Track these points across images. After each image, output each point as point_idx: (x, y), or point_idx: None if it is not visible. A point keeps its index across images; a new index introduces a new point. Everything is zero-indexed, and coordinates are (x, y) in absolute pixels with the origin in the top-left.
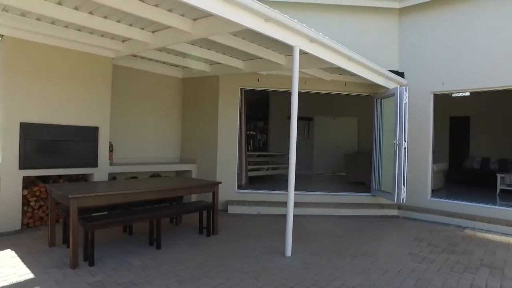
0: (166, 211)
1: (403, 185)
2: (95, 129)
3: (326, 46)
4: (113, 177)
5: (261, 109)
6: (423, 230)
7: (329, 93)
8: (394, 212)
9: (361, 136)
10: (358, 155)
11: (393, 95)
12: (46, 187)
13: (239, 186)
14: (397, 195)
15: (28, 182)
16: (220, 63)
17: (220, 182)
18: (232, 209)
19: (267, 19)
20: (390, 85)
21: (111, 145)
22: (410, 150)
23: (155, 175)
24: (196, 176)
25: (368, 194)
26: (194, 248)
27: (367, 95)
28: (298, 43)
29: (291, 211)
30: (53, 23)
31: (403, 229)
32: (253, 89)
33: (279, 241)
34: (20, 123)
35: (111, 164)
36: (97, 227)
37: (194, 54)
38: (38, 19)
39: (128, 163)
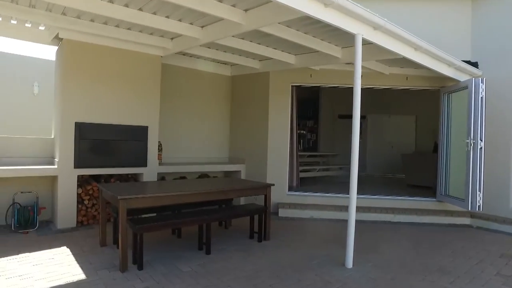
0: (216, 215)
1: (479, 190)
2: (145, 129)
3: (391, 34)
4: (162, 177)
5: (311, 108)
6: (510, 245)
7: (385, 89)
8: (466, 220)
9: (419, 135)
10: (418, 156)
11: (465, 88)
12: (98, 186)
13: (290, 188)
14: (472, 201)
15: (82, 181)
16: (270, 58)
17: (273, 184)
18: (283, 212)
19: (327, 4)
20: (461, 77)
21: (160, 145)
22: (487, 151)
23: (203, 175)
24: (244, 176)
25: (433, 199)
26: (245, 255)
27: (429, 90)
28: (361, 31)
29: (353, 218)
30: (105, 23)
31: (481, 242)
32: (303, 87)
33: (337, 250)
34: (75, 123)
35: (160, 163)
36: (145, 230)
37: (243, 49)
38: (92, 20)
39: (176, 163)
